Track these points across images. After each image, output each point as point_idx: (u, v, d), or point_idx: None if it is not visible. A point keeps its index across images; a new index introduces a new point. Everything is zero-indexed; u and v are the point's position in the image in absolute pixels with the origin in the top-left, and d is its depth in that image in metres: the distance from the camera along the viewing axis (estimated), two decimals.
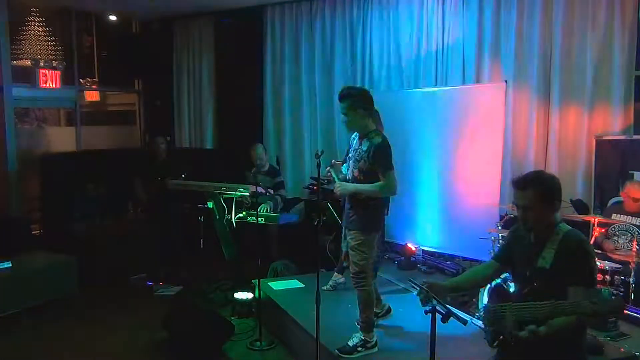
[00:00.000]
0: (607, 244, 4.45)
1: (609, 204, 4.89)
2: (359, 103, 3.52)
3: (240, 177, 5.65)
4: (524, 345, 2.22)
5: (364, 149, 3.51)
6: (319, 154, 3.56)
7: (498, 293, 2.49)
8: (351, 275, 3.64)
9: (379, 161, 3.45)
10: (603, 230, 4.51)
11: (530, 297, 2.25)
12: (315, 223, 3.40)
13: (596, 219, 4.43)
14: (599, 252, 4.36)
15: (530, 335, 2.08)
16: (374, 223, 3.61)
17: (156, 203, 6.20)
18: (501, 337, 2.32)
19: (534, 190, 2.21)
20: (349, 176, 3.63)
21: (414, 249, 5.76)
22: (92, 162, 7.24)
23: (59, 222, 6.71)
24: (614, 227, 4.52)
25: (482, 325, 2.44)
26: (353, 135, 3.73)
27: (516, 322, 2.17)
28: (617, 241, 4.48)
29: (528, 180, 2.26)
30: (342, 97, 3.54)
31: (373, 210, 3.58)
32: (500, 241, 4.58)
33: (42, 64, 6.84)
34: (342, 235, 3.84)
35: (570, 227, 2.28)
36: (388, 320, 4.16)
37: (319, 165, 3.45)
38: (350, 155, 3.66)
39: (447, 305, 2.40)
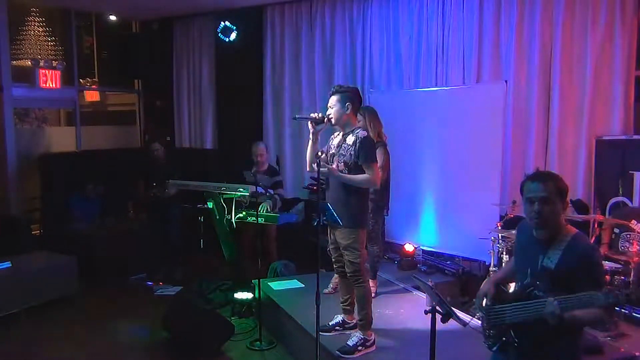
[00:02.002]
0: (605, 235, 4.41)
1: (609, 204, 4.88)
2: (349, 99, 3.58)
3: (239, 177, 5.65)
4: (524, 347, 2.22)
5: (350, 143, 3.55)
6: (319, 154, 3.57)
7: (496, 293, 2.43)
8: (348, 274, 3.65)
9: (365, 153, 3.50)
10: (606, 229, 4.48)
11: (532, 296, 2.22)
12: (315, 223, 3.40)
13: (595, 219, 4.40)
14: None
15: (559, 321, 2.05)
16: (362, 218, 3.66)
17: (156, 203, 6.19)
18: (503, 338, 2.31)
19: (554, 184, 2.20)
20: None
21: (410, 250, 5.76)
22: (92, 162, 7.24)
23: (59, 222, 6.71)
24: (629, 234, 4.41)
25: (482, 328, 2.44)
26: (332, 136, 3.78)
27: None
28: (628, 247, 4.39)
29: (547, 174, 2.27)
30: (333, 92, 3.61)
31: (361, 206, 3.63)
32: (500, 241, 4.58)
33: (42, 64, 6.84)
34: (328, 237, 3.80)
35: (578, 230, 2.27)
36: (388, 320, 4.16)
37: (319, 165, 3.45)
38: (333, 152, 3.67)
39: (448, 306, 2.41)
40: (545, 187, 2.19)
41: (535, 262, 2.26)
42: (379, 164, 4.13)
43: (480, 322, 2.39)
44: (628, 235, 4.44)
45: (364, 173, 3.52)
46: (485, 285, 2.45)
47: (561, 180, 2.24)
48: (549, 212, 2.19)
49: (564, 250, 2.19)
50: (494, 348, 2.37)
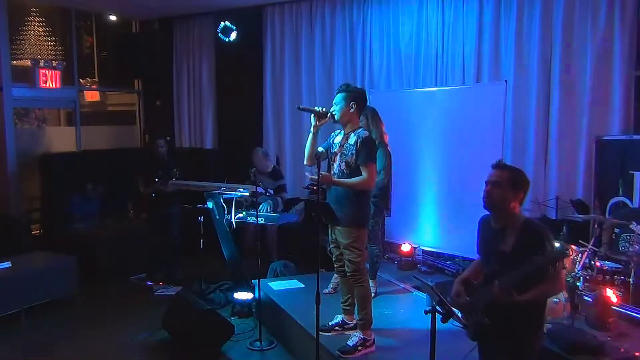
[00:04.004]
0: (605, 235, 4.41)
1: (609, 205, 4.88)
2: (355, 98, 3.59)
3: (240, 177, 5.65)
4: (496, 326, 2.40)
5: (351, 143, 3.56)
6: (319, 153, 3.57)
7: (466, 287, 2.60)
8: (348, 273, 3.65)
9: (364, 153, 3.50)
10: (606, 230, 4.48)
11: (492, 280, 2.39)
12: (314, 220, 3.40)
13: (596, 219, 4.40)
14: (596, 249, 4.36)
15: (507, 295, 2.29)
16: (363, 218, 3.65)
17: (156, 203, 6.18)
18: (480, 322, 2.44)
19: (509, 172, 2.47)
20: (335, 171, 3.64)
21: (406, 250, 5.75)
22: (92, 162, 7.24)
23: (59, 222, 6.71)
24: (630, 235, 4.39)
25: (461, 323, 2.54)
26: (333, 134, 3.78)
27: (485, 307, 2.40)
28: (628, 247, 4.38)
29: (506, 165, 2.55)
30: (340, 90, 3.61)
31: (361, 205, 3.61)
32: None
33: (42, 64, 6.84)
34: (329, 236, 3.81)
35: (529, 217, 2.51)
36: (388, 320, 4.16)
37: (319, 165, 3.46)
38: (335, 151, 3.68)
39: (448, 306, 2.41)
40: (499, 173, 2.47)
41: (495, 249, 2.46)
42: (380, 167, 4.13)
43: (459, 320, 2.53)
44: (628, 237, 4.44)
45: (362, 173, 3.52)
46: (455, 286, 2.62)
47: (519, 173, 2.50)
48: (496, 195, 2.44)
49: (517, 233, 2.39)
50: (474, 338, 2.54)
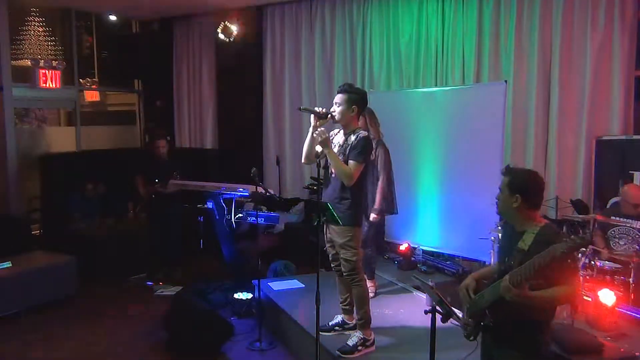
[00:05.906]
0: (599, 241, 4.43)
1: (608, 205, 4.89)
2: (357, 102, 3.58)
3: (240, 177, 5.64)
4: (499, 328, 2.40)
5: (349, 143, 3.55)
6: (319, 154, 3.57)
7: (477, 284, 2.61)
8: (345, 273, 3.66)
9: (357, 150, 3.49)
10: (596, 235, 4.49)
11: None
12: (315, 223, 3.39)
13: (595, 219, 4.41)
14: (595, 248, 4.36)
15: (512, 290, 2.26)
16: (358, 217, 3.65)
17: (156, 203, 6.18)
18: (482, 323, 2.43)
19: (509, 179, 2.52)
20: (332, 170, 3.62)
21: (403, 248, 5.75)
22: (92, 162, 7.24)
23: (59, 222, 6.71)
24: (614, 230, 4.48)
25: (461, 322, 2.52)
26: (332, 133, 3.77)
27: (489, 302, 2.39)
28: (619, 243, 4.45)
29: (506, 169, 2.59)
30: (342, 90, 3.59)
31: (356, 204, 3.60)
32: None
33: (42, 64, 6.84)
34: (325, 235, 3.79)
35: (547, 222, 2.51)
36: (388, 320, 4.16)
37: (318, 165, 3.46)
38: (335, 150, 3.66)
39: (448, 306, 2.42)
40: (502, 179, 2.56)
41: (512, 248, 2.47)
42: (379, 165, 4.24)
43: (458, 319, 2.52)
44: (613, 232, 4.46)
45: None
46: (466, 280, 2.65)
47: (517, 177, 2.50)
48: (500, 201, 2.55)
49: (536, 234, 2.40)
50: (471, 338, 2.50)
